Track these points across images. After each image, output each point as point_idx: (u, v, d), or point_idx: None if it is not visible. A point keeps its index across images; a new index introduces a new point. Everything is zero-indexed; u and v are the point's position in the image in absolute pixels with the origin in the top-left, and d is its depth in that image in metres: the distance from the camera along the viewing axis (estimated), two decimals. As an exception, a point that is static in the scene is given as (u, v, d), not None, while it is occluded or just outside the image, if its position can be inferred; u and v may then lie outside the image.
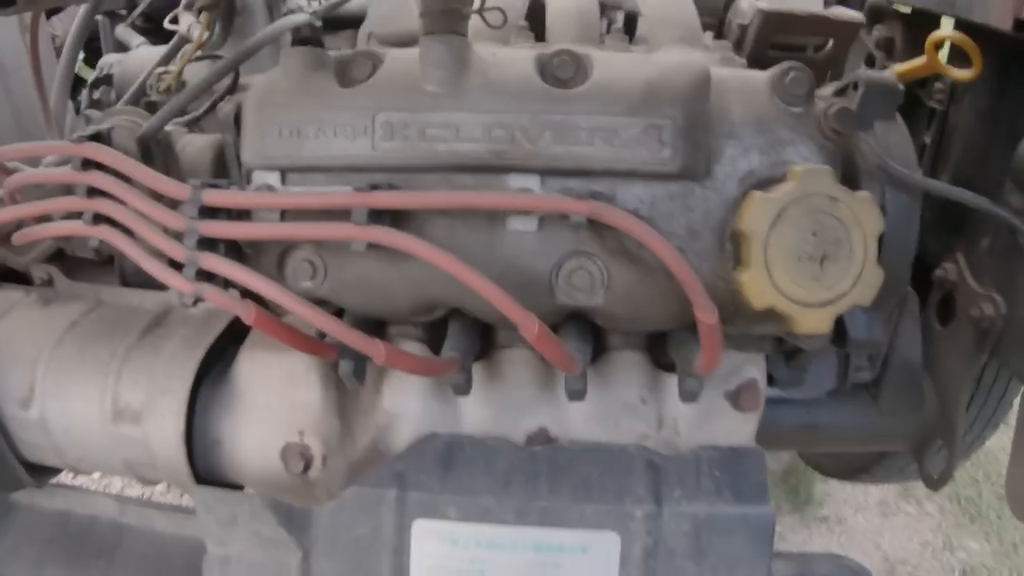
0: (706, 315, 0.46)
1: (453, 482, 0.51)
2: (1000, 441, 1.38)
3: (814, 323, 0.46)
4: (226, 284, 0.50)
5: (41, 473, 0.65)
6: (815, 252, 0.45)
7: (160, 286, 0.56)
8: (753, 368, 0.56)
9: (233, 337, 0.59)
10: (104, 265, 0.66)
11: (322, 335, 0.52)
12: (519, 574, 0.50)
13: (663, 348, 0.55)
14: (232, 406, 0.57)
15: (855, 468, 0.95)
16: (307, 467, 0.55)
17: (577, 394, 0.52)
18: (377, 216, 0.48)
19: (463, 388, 0.52)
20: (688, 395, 0.52)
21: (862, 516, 1.55)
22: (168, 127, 0.63)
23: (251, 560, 0.53)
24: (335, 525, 0.51)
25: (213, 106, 0.66)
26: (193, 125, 0.68)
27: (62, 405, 0.59)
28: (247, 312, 0.47)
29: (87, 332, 0.61)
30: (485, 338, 0.55)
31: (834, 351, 0.64)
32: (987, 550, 1.46)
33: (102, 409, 0.57)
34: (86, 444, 0.59)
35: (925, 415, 0.69)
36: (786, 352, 0.59)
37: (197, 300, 0.49)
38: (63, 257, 0.65)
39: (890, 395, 0.67)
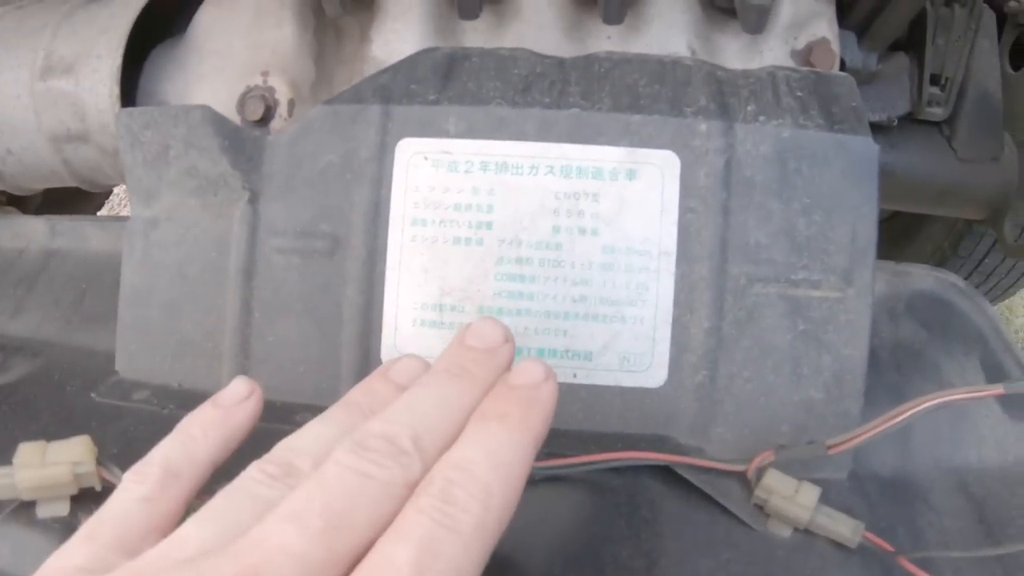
0: None
1: (455, 90, 0.33)
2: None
3: None
4: None
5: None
6: None
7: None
8: (824, 25, 0.39)
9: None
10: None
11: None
12: (541, 209, 0.31)
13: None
14: (185, 62, 0.41)
15: None
16: (268, 115, 0.37)
17: (613, 5, 0.34)
18: None
19: (470, 0, 0.35)
20: (753, 13, 0.35)
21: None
22: None
23: (184, 217, 0.34)
24: (295, 155, 0.33)
25: None
26: None
27: (-10, 78, 0.41)
28: None
29: (30, 11, 0.44)
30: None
31: (906, 71, 0.47)
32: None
33: (32, 69, 0.41)
34: (10, 121, 0.41)
35: (1005, 171, 0.50)
36: (857, 25, 0.42)
37: None
38: None
39: (967, 133, 0.49)
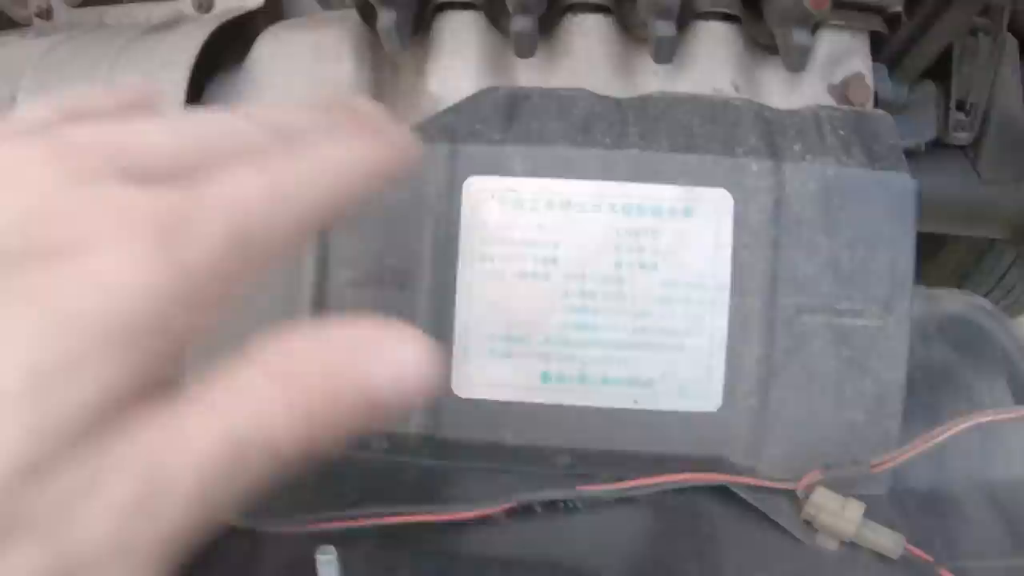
0: None
1: (519, 130, 0.35)
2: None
3: None
4: None
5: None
6: None
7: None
8: (859, 61, 0.41)
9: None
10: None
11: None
12: (604, 245, 0.34)
13: (760, 25, 0.40)
14: (244, 94, 0.42)
15: None
16: (333, 149, 0.38)
17: (664, 46, 0.36)
18: None
19: (526, 40, 0.37)
20: (796, 53, 0.37)
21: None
22: None
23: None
24: (366, 191, 0.35)
25: None
26: None
27: (45, 108, 0.42)
28: None
29: (83, 41, 0.46)
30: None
31: (933, 99, 0.49)
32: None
33: (91, 102, 0.41)
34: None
35: None
36: (889, 58, 0.44)
37: None
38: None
39: (991, 157, 0.51)
